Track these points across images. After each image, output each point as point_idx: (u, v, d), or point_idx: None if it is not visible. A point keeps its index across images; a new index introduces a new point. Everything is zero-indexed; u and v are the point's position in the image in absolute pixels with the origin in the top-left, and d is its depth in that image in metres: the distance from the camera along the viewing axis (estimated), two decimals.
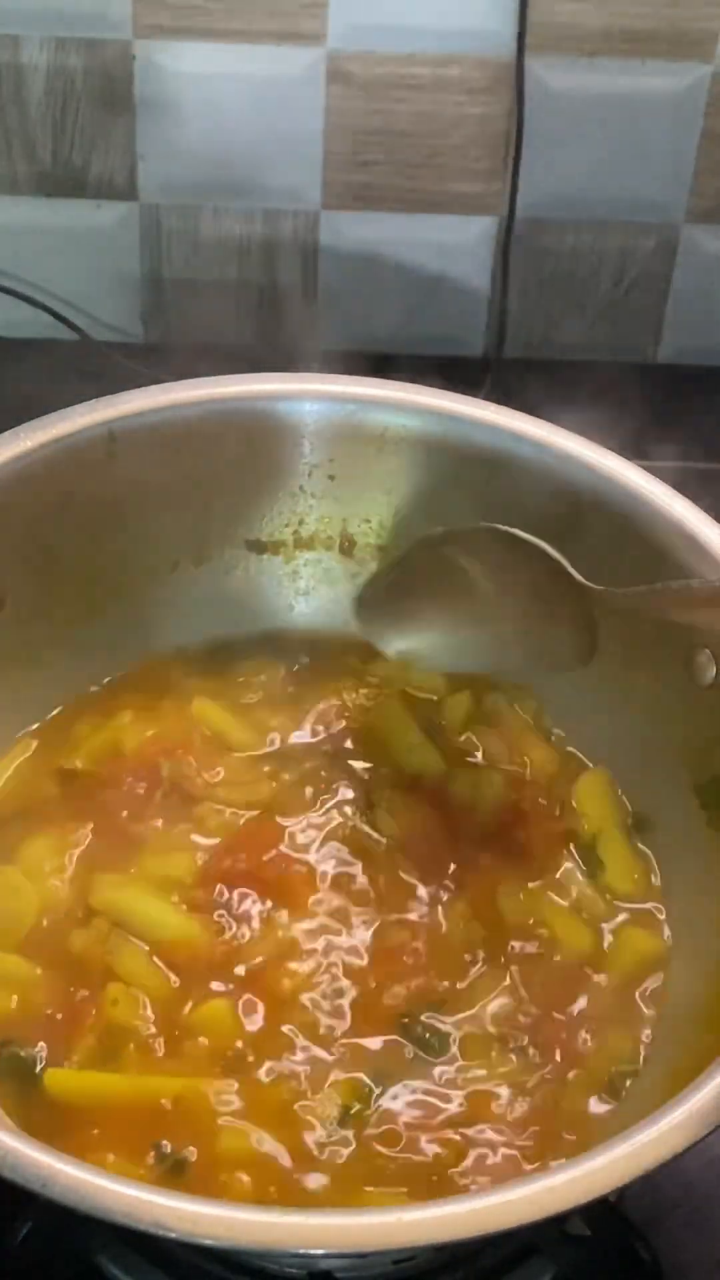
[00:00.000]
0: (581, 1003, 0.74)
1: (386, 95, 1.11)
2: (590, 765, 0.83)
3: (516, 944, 0.75)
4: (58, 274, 1.17)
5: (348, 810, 0.79)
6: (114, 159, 1.13)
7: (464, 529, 0.78)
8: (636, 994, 0.74)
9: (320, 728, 0.83)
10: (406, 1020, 0.72)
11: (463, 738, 0.83)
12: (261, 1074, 0.70)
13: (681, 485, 0.79)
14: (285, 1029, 0.71)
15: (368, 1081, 0.70)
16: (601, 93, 1.11)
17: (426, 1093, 0.70)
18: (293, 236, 1.17)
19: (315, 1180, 0.67)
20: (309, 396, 0.83)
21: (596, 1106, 0.70)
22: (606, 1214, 0.73)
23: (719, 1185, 0.78)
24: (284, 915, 0.75)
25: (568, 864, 0.78)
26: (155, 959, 0.73)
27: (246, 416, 0.83)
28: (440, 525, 0.80)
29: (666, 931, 0.77)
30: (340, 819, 0.79)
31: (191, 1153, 0.67)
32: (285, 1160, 0.67)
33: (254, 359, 0.87)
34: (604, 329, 1.22)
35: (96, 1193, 0.55)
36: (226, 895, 0.75)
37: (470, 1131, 0.69)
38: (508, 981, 0.74)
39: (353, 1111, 0.69)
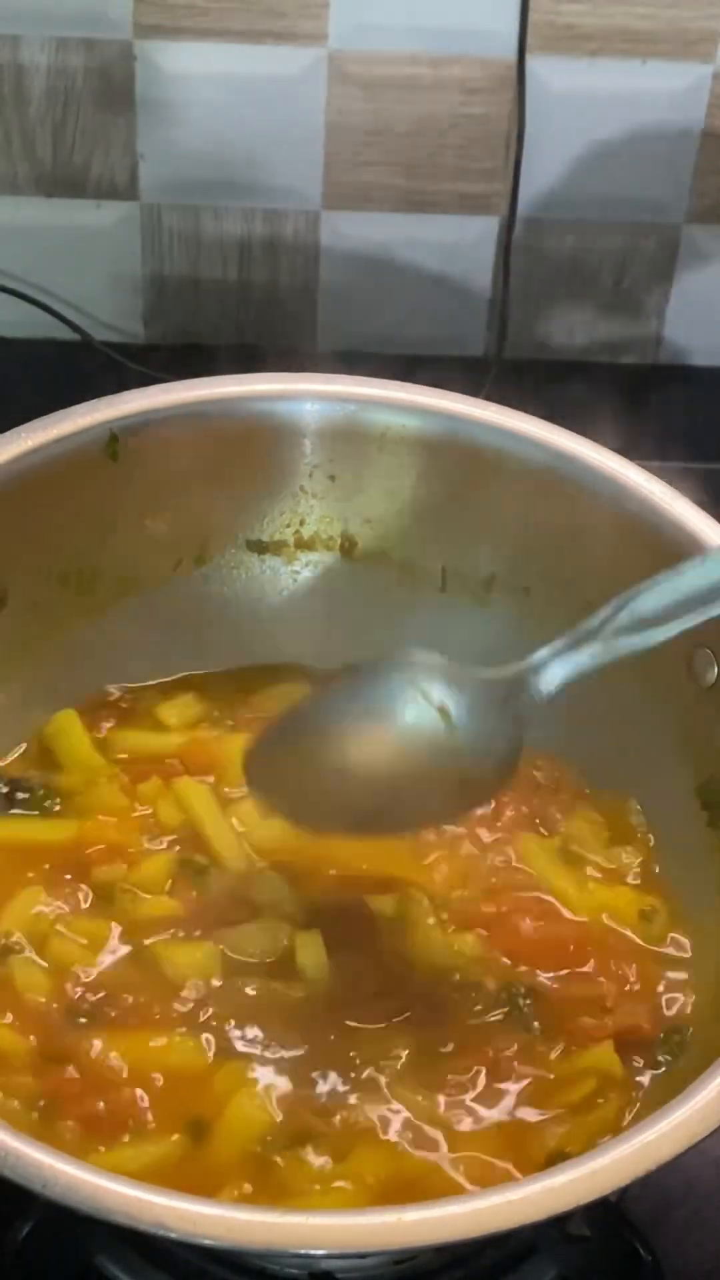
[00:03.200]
0: None
1: (386, 95, 1.11)
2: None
3: None
4: (58, 274, 1.17)
5: None
6: (114, 159, 1.13)
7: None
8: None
9: None
10: None
11: None
12: None
13: (681, 485, 0.79)
14: None
15: None
16: (601, 93, 1.11)
17: None
18: (293, 236, 1.17)
19: None
20: (309, 396, 0.83)
21: None
22: (606, 1214, 0.73)
23: (719, 1185, 0.78)
24: None
25: None
26: None
27: (246, 416, 0.83)
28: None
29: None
30: None
31: None
32: None
33: (254, 359, 0.87)
34: (604, 329, 1.22)
35: (96, 1193, 0.55)
36: None
37: None
38: None
39: None
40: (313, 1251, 0.56)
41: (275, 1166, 0.66)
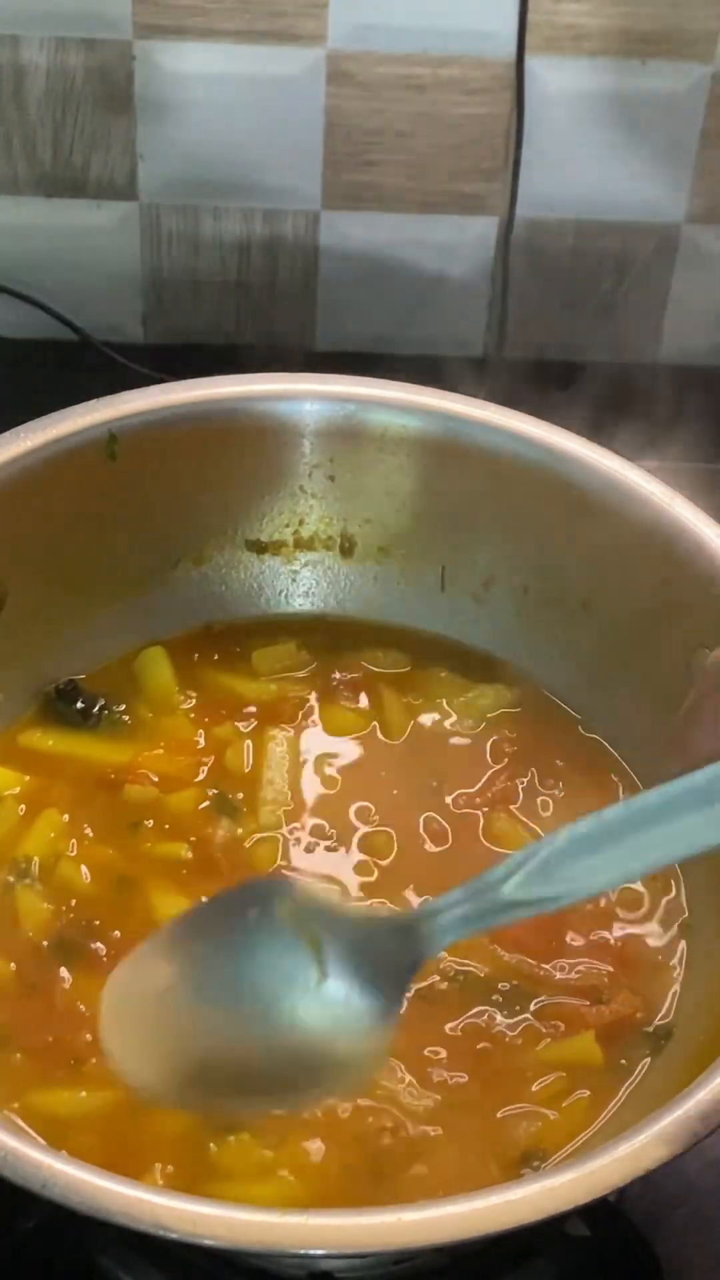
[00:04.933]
0: None
1: (386, 95, 1.11)
2: None
3: None
4: (58, 274, 1.17)
5: None
6: (114, 159, 1.13)
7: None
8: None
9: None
10: None
11: None
12: None
13: (681, 485, 0.79)
14: None
15: None
16: (601, 93, 1.11)
17: None
18: (293, 236, 1.17)
19: None
20: (309, 396, 0.83)
21: None
22: (606, 1214, 0.73)
23: (719, 1185, 0.78)
24: None
25: None
26: None
27: (246, 416, 0.83)
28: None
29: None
30: None
31: None
32: None
33: (254, 359, 0.87)
34: (604, 329, 1.22)
35: (96, 1193, 0.55)
36: None
37: None
38: None
39: None
40: (313, 1251, 0.56)
41: (208, 1150, 0.66)
